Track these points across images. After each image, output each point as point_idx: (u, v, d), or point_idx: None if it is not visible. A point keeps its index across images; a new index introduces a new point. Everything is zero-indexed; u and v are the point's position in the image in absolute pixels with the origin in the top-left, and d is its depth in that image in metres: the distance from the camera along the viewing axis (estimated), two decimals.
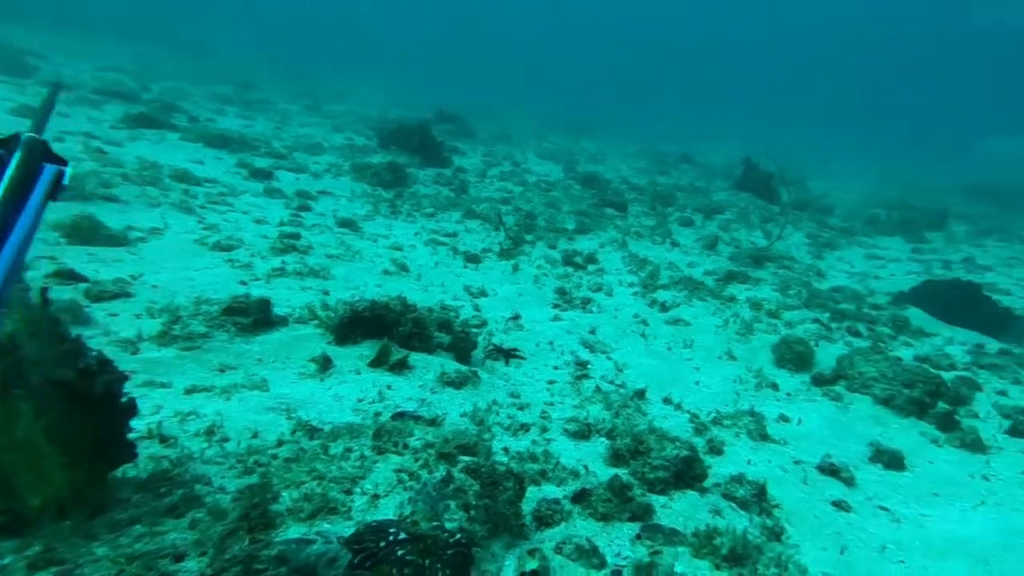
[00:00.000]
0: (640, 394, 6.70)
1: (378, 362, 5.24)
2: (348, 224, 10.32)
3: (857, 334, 9.16)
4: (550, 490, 4.49)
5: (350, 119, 22.92)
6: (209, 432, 4.02)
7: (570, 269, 10.65)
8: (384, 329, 5.61)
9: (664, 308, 9.66)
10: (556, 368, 7.01)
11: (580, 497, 4.45)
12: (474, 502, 3.50)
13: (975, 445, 6.09)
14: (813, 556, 4.37)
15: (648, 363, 7.70)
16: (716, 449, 5.83)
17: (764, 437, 6.20)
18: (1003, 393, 7.29)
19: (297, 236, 9.04)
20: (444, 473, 3.55)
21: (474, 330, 7.01)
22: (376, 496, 3.27)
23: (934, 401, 6.68)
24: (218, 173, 11.95)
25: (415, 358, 5.58)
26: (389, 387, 5.03)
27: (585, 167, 20.49)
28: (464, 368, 5.87)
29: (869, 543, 4.62)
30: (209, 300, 5.93)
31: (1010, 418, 6.57)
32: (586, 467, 4.93)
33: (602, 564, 3.83)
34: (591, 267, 11.05)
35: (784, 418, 6.66)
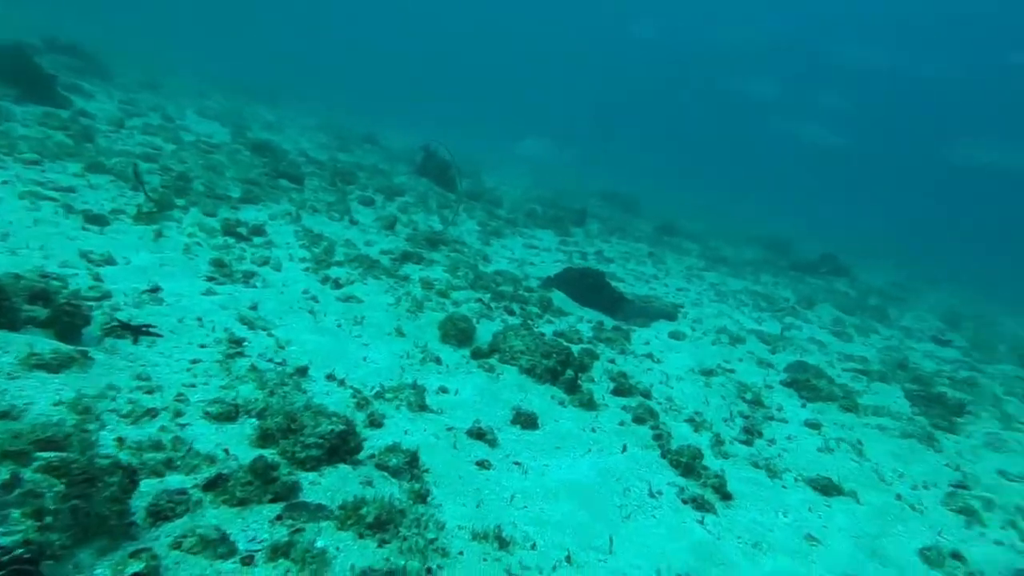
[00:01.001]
0: (302, 371, 6.34)
1: None
2: None
3: (512, 312, 10.22)
4: (175, 480, 3.87)
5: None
6: None
7: (231, 240, 9.60)
8: None
9: (337, 285, 9.38)
10: (203, 347, 6.18)
11: (214, 484, 3.94)
12: (53, 506, 2.78)
13: (589, 404, 7.29)
14: (453, 512, 4.64)
15: (315, 340, 7.35)
16: (376, 422, 5.82)
17: (423, 408, 6.42)
18: (612, 361, 8.92)
19: None
20: (7, 476, 2.74)
21: (90, 304, 5.71)
22: None
23: (564, 369, 7.79)
24: None
25: None
26: None
27: (259, 134, 18.86)
28: (67, 348, 4.73)
29: (501, 494, 5.11)
30: None
31: (615, 381, 8.06)
32: (227, 451, 4.42)
33: (231, 552, 3.43)
34: (257, 239, 10.15)
35: (443, 389, 7.01)
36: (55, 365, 4.38)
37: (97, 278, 6.51)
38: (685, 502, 5.39)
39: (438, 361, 7.85)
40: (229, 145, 15.52)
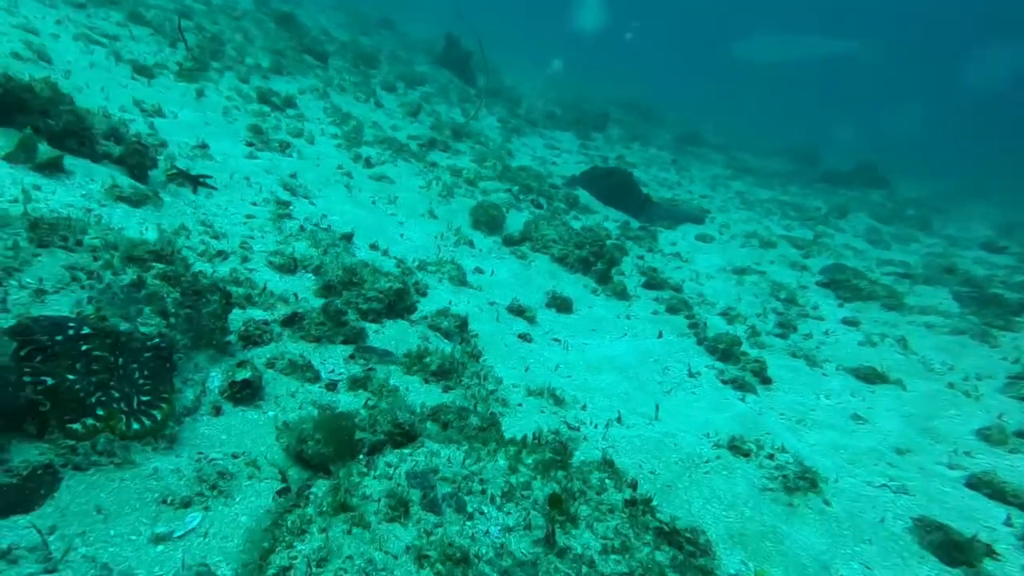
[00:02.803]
0: (348, 237, 6.48)
1: (20, 157, 3.91)
2: None
3: (539, 206, 10.28)
4: (257, 313, 4.09)
5: None
6: None
7: (266, 108, 9.47)
8: (23, 116, 4.17)
9: (369, 164, 9.37)
10: (254, 204, 6.28)
11: (291, 320, 4.16)
12: (173, 310, 2.97)
13: (622, 294, 7.53)
14: (505, 373, 4.93)
15: (353, 212, 7.45)
16: (421, 291, 6.02)
17: (463, 283, 6.63)
18: (641, 257, 9.10)
19: None
20: (134, 277, 2.91)
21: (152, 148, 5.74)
22: (42, 291, 2.49)
23: (596, 260, 7.97)
24: None
25: (73, 162, 4.34)
26: (37, 188, 3.82)
27: (280, 6, 18.03)
28: (141, 186, 4.82)
29: (546, 364, 5.39)
30: None
31: (645, 275, 8.27)
32: (296, 295, 4.62)
33: (316, 378, 3.69)
34: (290, 111, 10.01)
35: (479, 270, 7.19)
36: (135, 200, 4.47)
37: (152, 127, 6.48)
38: (725, 382, 5.69)
39: (471, 244, 8.00)
40: (254, 13, 14.89)
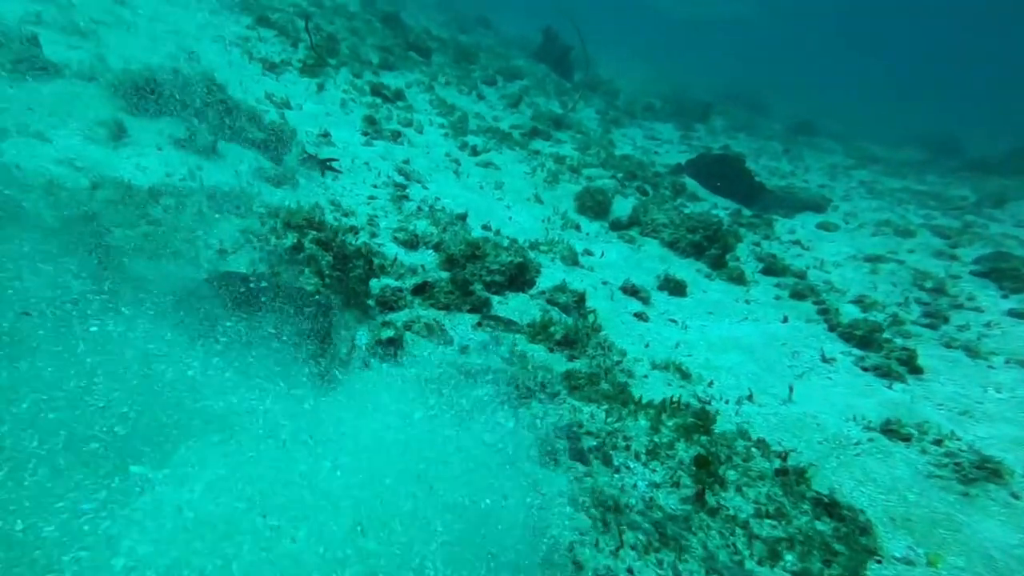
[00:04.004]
0: (462, 217, 6.62)
1: (186, 143, 4.28)
2: None
3: (645, 193, 10.08)
4: (390, 282, 4.25)
5: None
6: None
7: (379, 100, 9.86)
8: (185, 106, 4.57)
9: (475, 151, 9.54)
10: (375, 187, 6.55)
11: (422, 289, 4.29)
12: (327, 271, 3.13)
13: (739, 279, 7.22)
14: (626, 348, 4.85)
15: (464, 196, 7.60)
16: (535, 269, 6.05)
17: (575, 263, 6.61)
18: (757, 244, 8.70)
19: None
20: (295, 241, 3.09)
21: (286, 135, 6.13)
22: (223, 251, 2.72)
23: (709, 245, 7.70)
24: None
25: (225, 146, 4.70)
26: (200, 168, 4.17)
27: (383, 7, 18.74)
28: (279, 168, 5.14)
29: (665, 342, 5.26)
30: None
31: (763, 261, 7.91)
32: (423, 266, 4.77)
33: (449, 341, 3.79)
34: (400, 103, 10.37)
35: (588, 252, 7.13)
36: (276, 180, 4.78)
37: (282, 117, 6.92)
38: (866, 369, 5.31)
39: (578, 228, 7.95)
40: (362, 14, 15.56)
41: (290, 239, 3.09)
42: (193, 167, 4.11)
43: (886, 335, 5.94)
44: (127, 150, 3.84)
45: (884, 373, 5.16)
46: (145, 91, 4.28)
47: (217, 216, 3.00)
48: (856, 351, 5.61)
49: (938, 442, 3.77)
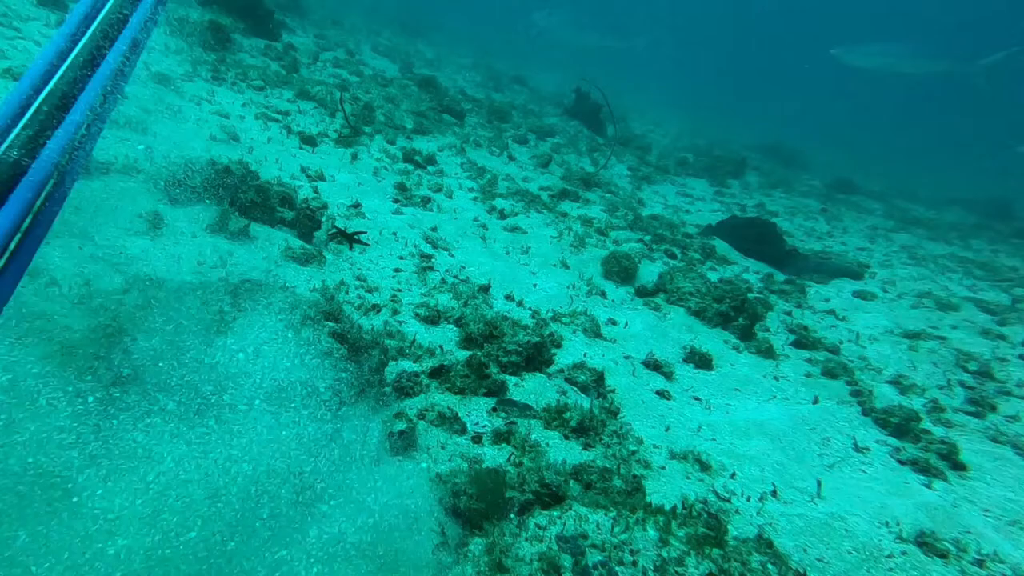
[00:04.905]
0: (485, 289, 6.69)
1: (218, 228, 4.49)
2: (164, 81, 8.66)
3: (673, 256, 10.05)
4: (407, 365, 4.29)
5: None
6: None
7: (410, 166, 10.16)
8: (221, 191, 4.81)
9: (502, 215, 9.69)
10: (401, 258, 6.70)
11: (438, 372, 4.32)
12: (342, 365, 3.19)
13: (768, 352, 7.05)
14: (644, 433, 4.75)
15: (489, 263, 7.69)
16: (555, 342, 6.02)
17: (597, 335, 6.57)
18: (788, 313, 8.53)
19: None
20: (310, 335, 3.17)
21: (317, 211, 6.35)
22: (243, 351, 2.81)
23: (737, 315, 7.58)
24: None
25: (257, 229, 4.90)
26: (230, 254, 4.35)
27: (422, 70, 19.50)
28: (308, 246, 5.31)
29: (687, 424, 5.14)
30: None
31: (795, 333, 7.73)
32: (441, 347, 4.81)
33: (463, 430, 3.78)
34: (431, 168, 10.66)
35: (612, 321, 7.09)
36: (303, 259, 4.94)
37: (316, 191, 7.19)
38: (903, 463, 5.03)
39: (603, 295, 7.92)
40: (399, 80, 16.23)
41: (308, 332, 3.17)
42: (224, 253, 4.28)
43: (925, 424, 5.65)
44: (163, 239, 4.04)
45: (922, 468, 4.85)
46: (183, 180, 4.53)
47: (237, 314, 3.11)
48: (892, 440, 5.35)
49: (979, 563, 3.53)
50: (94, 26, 1.48)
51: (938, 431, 5.72)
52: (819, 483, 4.29)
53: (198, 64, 10.18)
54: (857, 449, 5.09)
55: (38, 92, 1.31)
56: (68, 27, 1.46)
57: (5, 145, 1.23)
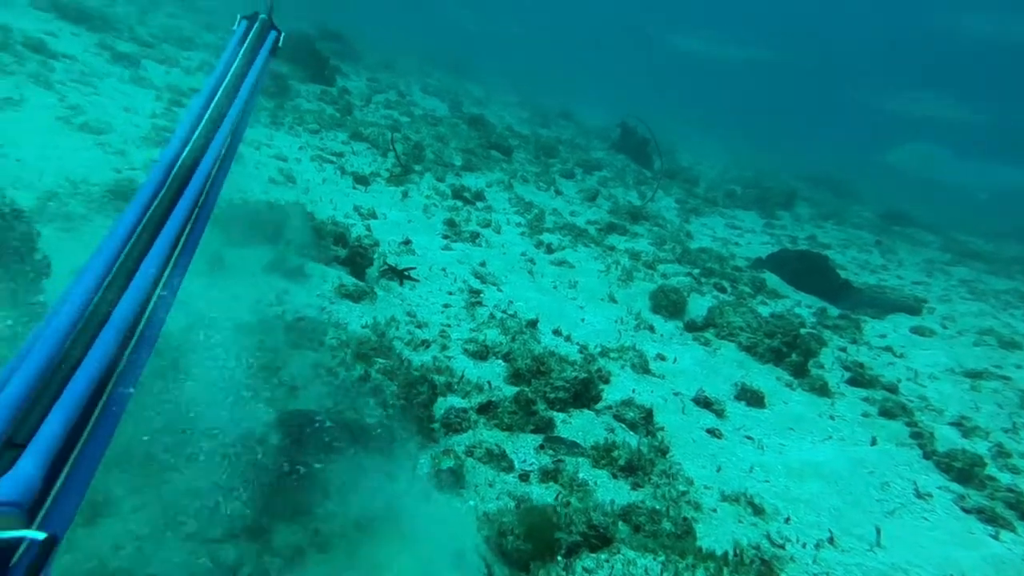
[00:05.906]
0: (532, 324, 6.75)
1: (274, 267, 4.74)
2: None
3: (723, 290, 9.91)
4: (456, 401, 4.37)
5: (222, 17, 20.37)
6: None
7: (459, 203, 10.40)
8: (280, 234, 5.08)
9: (550, 250, 9.79)
10: (450, 293, 6.84)
11: (486, 408, 4.38)
12: (391, 401, 3.29)
13: (822, 390, 6.84)
14: (694, 473, 4.67)
15: (537, 298, 7.76)
16: (603, 378, 6.00)
17: (646, 371, 6.52)
18: (843, 349, 8.28)
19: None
20: (362, 372, 3.29)
21: (370, 248, 6.60)
22: (295, 388, 2.95)
23: (790, 351, 7.40)
24: (77, 51, 10.16)
25: (311, 267, 5.13)
26: (286, 292, 4.58)
27: (470, 109, 20.04)
28: (360, 283, 5.51)
29: (739, 464, 5.03)
30: (87, 181, 5.04)
31: (850, 370, 7.48)
32: (489, 383, 4.87)
33: (511, 467, 3.81)
34: (480, 204, 10.89)
35: (661, 356, 7.02)
36: (356, 296, 5.13)
37: (368, 229, 7.47)
38: (967, 511, 4.79)
39: (652, 329, 7.87)
40: (449, 119, 16.73)
41: (358, 370, 3.29)
42: (280, 291, 4.50)
43: (991, 469, 5.36)
44: (224, 281, 4.28)
45: (989, 518, 4.59)
46: (242, 222, 4.81)
47: (291, 352, 3.26)
48: (955, 486, 5.09)
49: None
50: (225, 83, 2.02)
51: (1004, 478, 5.42)
52: (878, 531, 4.12)
53: (258, 110, 10.81)
54: (918, 495, 4.86)
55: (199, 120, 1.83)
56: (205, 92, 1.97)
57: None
